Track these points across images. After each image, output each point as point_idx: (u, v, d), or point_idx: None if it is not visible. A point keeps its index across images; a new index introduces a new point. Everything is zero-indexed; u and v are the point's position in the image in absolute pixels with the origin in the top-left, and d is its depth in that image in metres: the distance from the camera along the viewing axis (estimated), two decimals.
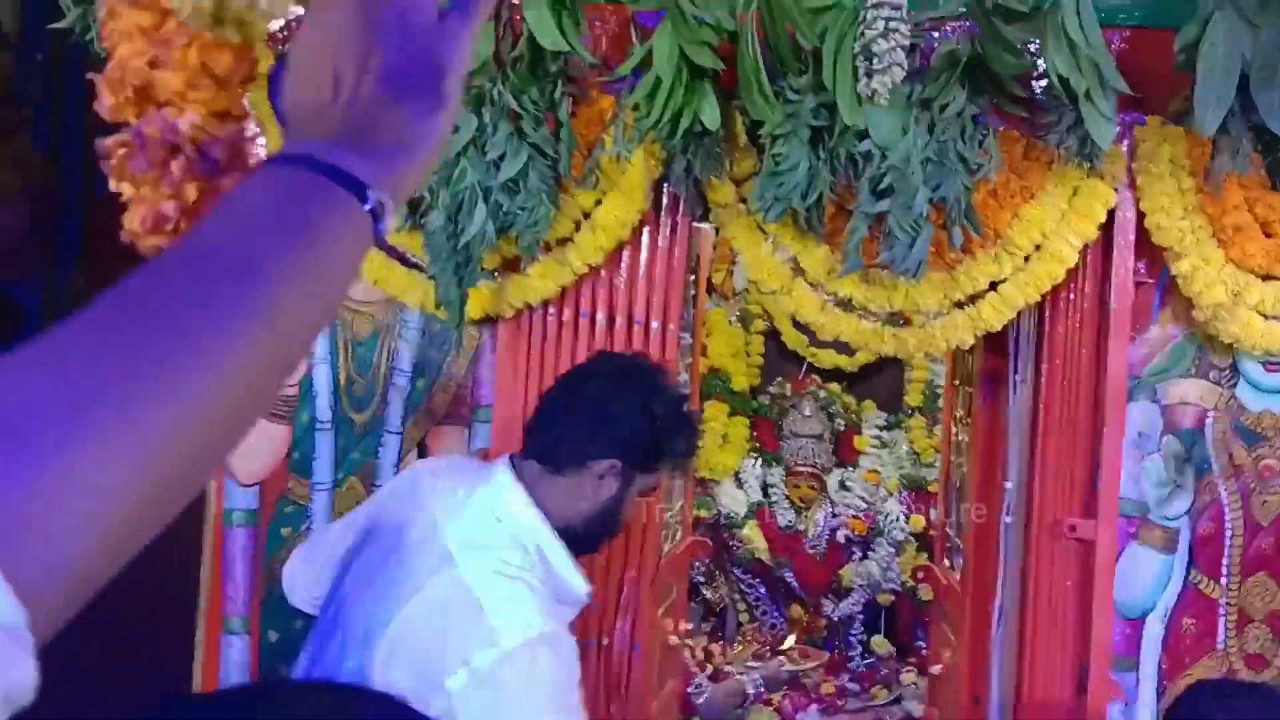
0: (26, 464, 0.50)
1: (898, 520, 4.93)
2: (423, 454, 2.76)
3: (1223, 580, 2.72)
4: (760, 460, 5.12)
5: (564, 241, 2.62)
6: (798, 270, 2.61)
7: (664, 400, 2.10)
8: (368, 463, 2.78)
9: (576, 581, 2.01)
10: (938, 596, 3.49)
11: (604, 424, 2.03)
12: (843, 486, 5.02)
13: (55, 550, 0.50)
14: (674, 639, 3.06)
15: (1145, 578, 2.69)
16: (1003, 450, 2.89)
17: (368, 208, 0.71)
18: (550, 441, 2.05)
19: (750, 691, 4.05)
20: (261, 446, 2.79)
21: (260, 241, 0.65)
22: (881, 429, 5.12)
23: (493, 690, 1.76)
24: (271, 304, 0.63)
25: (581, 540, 2.07)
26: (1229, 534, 2.69)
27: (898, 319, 2.71)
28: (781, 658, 4.56)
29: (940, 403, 4.90)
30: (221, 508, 2.82)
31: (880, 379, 5.15)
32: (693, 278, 3.00)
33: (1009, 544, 2.84)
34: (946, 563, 3.40)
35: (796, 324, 5.03)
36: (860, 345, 2.64)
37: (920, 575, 3.82)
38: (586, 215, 2.60)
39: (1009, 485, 2.82)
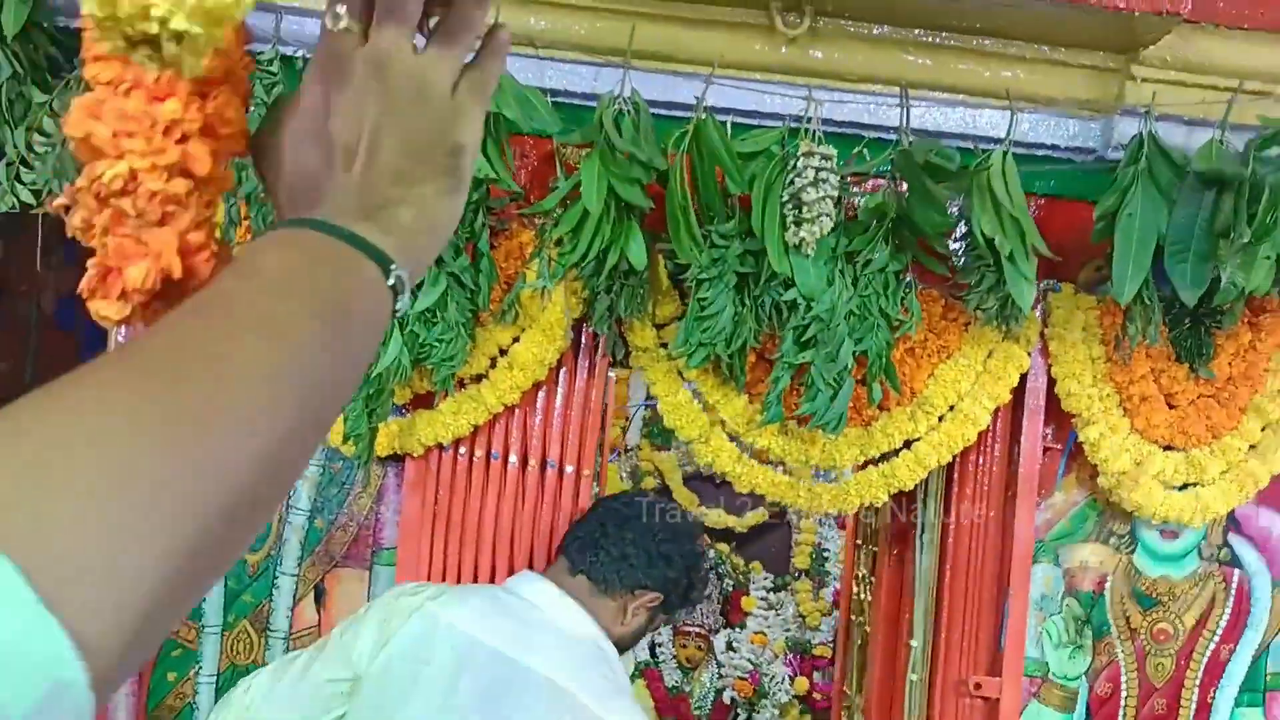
0: (80, 512, 0.44)
1: (783, 683, 4.72)
2: (319, 598, 2.37)
3: None
4: None
5: (478, 378, 2.32)
6: (715, 419, 2.37)
7: (700, 553, 2.15)
8: (261, 605, 2.39)
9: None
10: None
11: (657, 560, 2.03)
12: (730, 648, 4.80)
13: (116, 600, 0.44)
14: None
15: None
16: (908, 609, 2.65)
17: (390, 283, 0.64)
18: (607, 563, 2.01)
19: None
20: None
21: (290, 304, 0.57)
22: (769, 590, 4.94)
23: None
24: (304, 370, 0.55)
25: None
26: (1125, 695, 2.52)
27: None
28: None
29: (828, 566, 4.75)
30: None
31: (769, 541, 4.99)
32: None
33: (913, 702, 2.59)
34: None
35: (686, 482, 4.87)
36: (776, 499, 2.46)
37: None
38: (503, 352, 2.31)
39: (914, 644, 2.58)
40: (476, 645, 1.84)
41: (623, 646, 2.03)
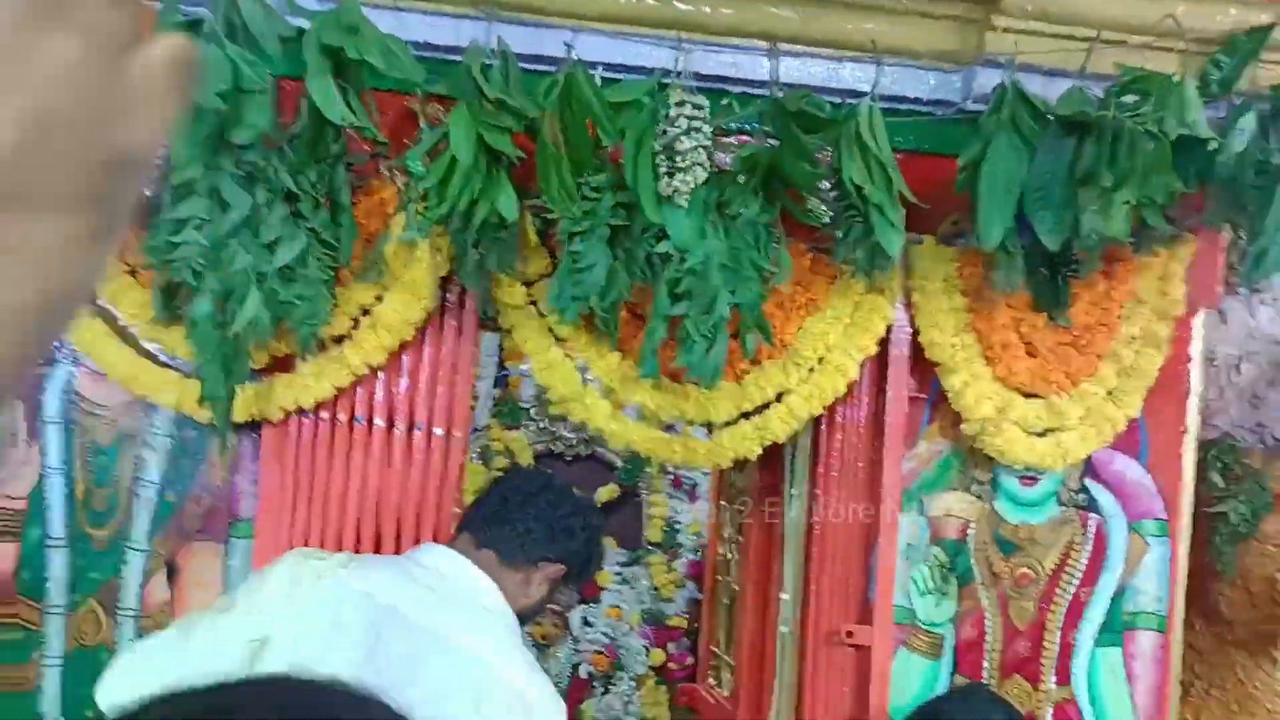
0: None
1: (639, 655, 4.73)
2: (171, 574, 2.22)
3: (984, 683, 2.57)
4: None
5: (340, 339, 2.20)
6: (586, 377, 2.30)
7: (600, 527, 2.17)
8: (109, 582, 2.22)
9: None
10: (706, 717, 3.26)
11: (559, 533, 2.01)
12: (585, 623, 4.78)
13: None
14: None
15: (913, 683, 2.52)
16: (777, 562, 2.64)
17: None
18: (512, 537, 1.98)
19: None
20: None
21: None
22: (623, 565, 4.94)
23: None
24: None
25: None
26: (989, 639, 2.56)
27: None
28: None
29: (680, 538, 4.77)
30: None
31: (621, 515, 4.97)
32: None
33: (785, 654, 2.59)
34: (712, 680, 3.18)
35: (538, 461, 4.80)
36: (650, 454, 2.42)
37: (684, 698, 3.59)
38: (366, 312, 2.19)
39: (785, 596, 2.58)
40: (393, 614, 1.78)
41: (524, 618, 2.01)
